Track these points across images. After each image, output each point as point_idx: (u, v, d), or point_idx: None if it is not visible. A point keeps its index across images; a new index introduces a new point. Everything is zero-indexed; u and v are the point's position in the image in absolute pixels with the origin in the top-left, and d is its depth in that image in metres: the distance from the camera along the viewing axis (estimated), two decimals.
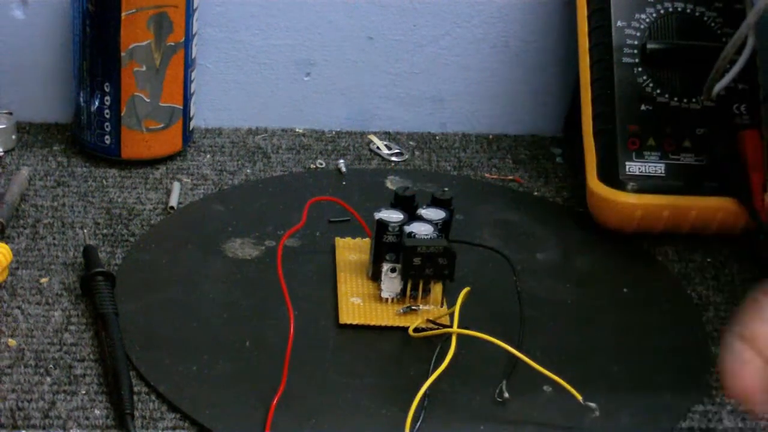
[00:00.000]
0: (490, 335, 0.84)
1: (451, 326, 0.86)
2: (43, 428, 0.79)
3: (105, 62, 1.05)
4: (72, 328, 0.88)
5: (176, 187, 1.06)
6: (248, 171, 1.10)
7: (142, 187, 1.06)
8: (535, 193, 1.11)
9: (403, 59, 1.18)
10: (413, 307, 0.91)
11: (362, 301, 0.91)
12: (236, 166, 1.11)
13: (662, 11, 1.06)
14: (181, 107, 1.09)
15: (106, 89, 1.06)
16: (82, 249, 0.95)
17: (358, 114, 1.19)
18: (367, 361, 0.86)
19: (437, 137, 1.19)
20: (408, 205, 0.92)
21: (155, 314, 0.89)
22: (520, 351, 0.83)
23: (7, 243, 0.94)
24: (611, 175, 1.02)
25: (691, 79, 1.05)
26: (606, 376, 0.87)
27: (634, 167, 1.02)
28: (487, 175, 1.13)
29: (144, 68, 1.05)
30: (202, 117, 1.17)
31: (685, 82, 1.05)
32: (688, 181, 1.02)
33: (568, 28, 1.16)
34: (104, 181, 1.06)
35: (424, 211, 0.92)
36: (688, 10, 1.06)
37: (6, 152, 1.10)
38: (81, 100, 1.08)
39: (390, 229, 0.90)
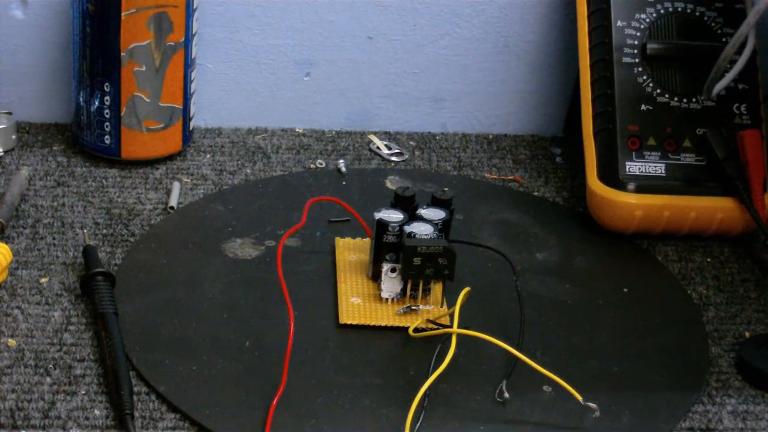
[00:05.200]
0: (490, 335, 0.84)
1: (451, 326, 0.86)
2: (43, 428, 0.79)
3: (105, 62, 1.05)
4: (72, 328, 0.88)
5: (176, 187, 1.06)
6: (248, 171, 1.10)
7: (142, 187, 1.06)
8: (535, 193, 1.11)
9: (403, 59, 1.18)
10: (413, 307, 0.91)
11: (362, 301, 0.91)
12: (236, 166, 1.11)
13: (662, 11, 1.06)
14: (181, 107, 1.09)
15: (106, 89, 1.06)
16: (82, 249, 0.95)
17: (358, 114, 1.19)
18: (367, 361, 0.86)
19: (437, 137, 1.19)
20: (408, 205, 0.92)
21: (155, 314, 0.89)
22: (520, 351, 0.84)
23: (7, 243, 0.94)
24: (611, 175, 1.02)
25: (691, 79, 1.05)
26: (606, 376, 0.87)
27: (634, 167, 1.02)
28: (487, 175, 1.13)
29: (144, 68, 1.05)
30: (202, 117, 1.17)
31: (685, 82, 1.05)
32: (688, 181, 1.02)
33: (568, 29, 1.17)
34: (104, 181, 1.06)
35: (424, 211, 0.92)
36: (688, 10, 1.06)
37: (6, 152, 1.10)
38: (81, 100, 1.08)
39: (390, 229, 0.90)
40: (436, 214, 0.91)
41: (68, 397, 0.81)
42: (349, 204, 0.98)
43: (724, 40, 1.05)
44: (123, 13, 1.03)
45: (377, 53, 1.17)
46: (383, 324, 0.89)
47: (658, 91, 1.04)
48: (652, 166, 1.02)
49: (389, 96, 1.19)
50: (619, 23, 1.05)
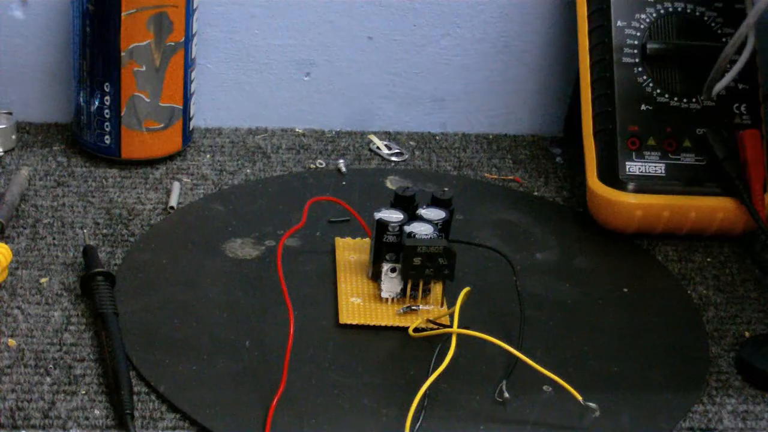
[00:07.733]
0: (490, 335, 0.84)
1: (451, 326, 0.86)
2: (43, 428, 0.79)
3: (105, 62, 1.05)
4: (72, 328, 0.88)
5: (176, 187, 1.06)
6: (248, 171, 1.10)
7: (142, 187, 1.06)
8: (535, 193, 1.11)
9: (403, 59, 1.18)
10: (413, 307, 0.91)
11: (362, 301, 0.91)
12: (236, 166, 1.11)
13: (662, 11, 1.06)
14: (181, 107, 1.09)
15: (106, 89, 1.06)
16: (82, 249, 0.95)
17: (358, 114, 1.19)
18: (367, 361, 0.86)
19: (437, 137, 1.19)
20: (408, 205, 0.92)
21: (155, 314, 0.89)
22: (520, 351, 0.84)
23: (7, 243, 0.94)
24: (611, 175, 1.02)
25: (691, 79, 1.05)
26: (606, 376, 0.87)
27: (634, 167, 1.02)
28: (487, 175, 1.13)
29: (144, 68, 1.05)
30: (202, 117, 1.17)
31: (685, 82, 1.05)
32: (688, 181, 1.02)
33: (568, 28, 1.16)
34: (104, 181, 1.06)
35: (424, 211, 0.92)
36: (688, 10, 1.06)
37: (6, 152, 1.10)
38: (81, 100, 1.08)
39: (390, 229, 0.90)
40: (436, 214, 0.91)
41: (68, 397, 0.81)
42: (349, 204, 0.98)
43: (724, 40, 1.05)
44: (123, 13, 1.03)
45: (377, 53, 1.17)
46: (383, 324, 0.89)
47: (658, 91, 1.04)
48: (652, 166, 1.02)
49: (389, 96, 1.19)
50: (619, 23, 1.05)
